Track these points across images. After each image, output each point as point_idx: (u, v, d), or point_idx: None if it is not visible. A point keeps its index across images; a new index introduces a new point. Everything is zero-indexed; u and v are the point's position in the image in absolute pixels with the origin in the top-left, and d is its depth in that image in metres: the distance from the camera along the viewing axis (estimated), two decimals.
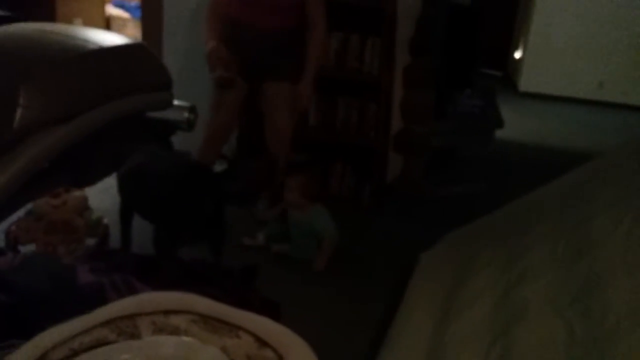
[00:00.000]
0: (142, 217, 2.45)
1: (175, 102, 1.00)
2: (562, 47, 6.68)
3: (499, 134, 4.30)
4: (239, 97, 2.92)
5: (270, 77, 2.88)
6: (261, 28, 2.82)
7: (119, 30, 5.79)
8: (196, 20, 3.21)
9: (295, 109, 2.97)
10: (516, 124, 5.19)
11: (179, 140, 3.24)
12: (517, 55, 7.26)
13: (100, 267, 2.14)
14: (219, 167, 3.48)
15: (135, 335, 0.79)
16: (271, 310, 2.15)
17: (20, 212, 2.32)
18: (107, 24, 5.72)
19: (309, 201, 2.76)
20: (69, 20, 4.76)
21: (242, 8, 2.84)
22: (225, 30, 2.87)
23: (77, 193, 2.48)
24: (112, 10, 5.90)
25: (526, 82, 6.91)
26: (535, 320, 1.19)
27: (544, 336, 1.12)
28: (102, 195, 2.88)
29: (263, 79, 2.89)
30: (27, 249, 2.39)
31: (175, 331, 0.79)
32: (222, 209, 2.35)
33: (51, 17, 4.59)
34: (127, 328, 0.80)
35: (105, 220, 2.60)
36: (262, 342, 0.78)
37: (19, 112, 0.63)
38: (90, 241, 2.52)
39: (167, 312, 0.82)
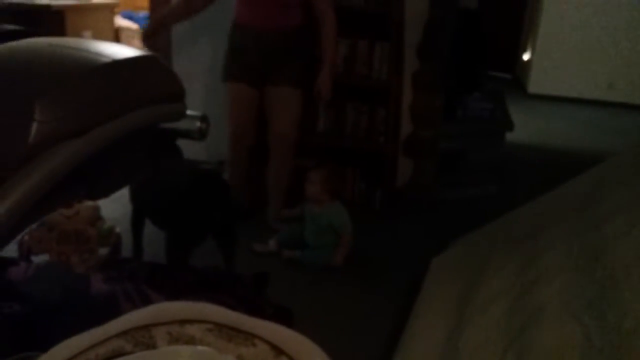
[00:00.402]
0: (154, 224, 2.47)
1: (188, 112, 1.00)
2: (571, 48, 6.65)
3: (509, 136, 4.28)
4: (250, 103, 2.93)
5: (271, 81, 2.89)
6: (262, 30, 2.81)
7: (128, 41, 5.83)
8: (204, 29, 3.23)
9: (298, 114, 2.98)
10: (526, 126, 5.17)
11: (195, 149, 3.27)
12: (526, 57, 7.23)
13: (113, 276, 2.15)
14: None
15: (151, 346, 0.79)
16: (284, 317, 2.15)
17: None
18: (116, 35, 5.76)
19: (329, 196, 2.80)
20: (78, 33, 4.80)
21: (242, 9, 2.85)
22: (230, 35, 2.91)
23: (89, 203, 2.50)
24: (121, 21, 5.95)
25: (535, 84, 6.88)
26: (550, 324, 1.18)
27: (560, 341, 1.11)
28: (114, 205, 2.90)
29: (265, 83, 2.90)
30: (40, 259, 2.41)
31: (190, 341, 0.79)
32: (232, 216, 2.36)
33: (61, 30, 4.62)
34: (143, 338, 0.80)
35: (118, 230, 2.62)
36: (278, 350, 0.78)
37: (34, 127, 0.63)
38: (103, 251, 2.54)
39: (183, 322, 0.82)
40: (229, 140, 3.02)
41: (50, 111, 0.68)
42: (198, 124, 1.01)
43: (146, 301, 1.89)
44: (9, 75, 0.74)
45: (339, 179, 2.89)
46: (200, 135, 1.02)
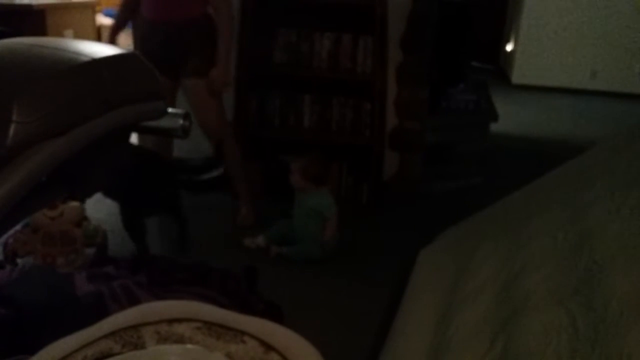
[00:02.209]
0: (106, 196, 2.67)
1: (170, 110, 0.99)
2: (553, 38, 6.69)
3: (494, 127, 4.30)
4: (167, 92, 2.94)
5: (181, 73, 2.85)
6: (163, 22, 2.78)
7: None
8: None
9: (216, 102, 2.94)
10: (510, 117, 5.20)
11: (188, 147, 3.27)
12: (509, 47, 7.27)
13: (98, 275, 2.14)
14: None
15: (139, 346, 0.78)
16: (274, 313, 2.15)
17: (17, 225, 2.32)
18: (98, 33, 5.70)
19: (312, 184, 2.86)
20: (59, 33, 4.75)
21: (144, 4, 2.83)
22: (136, 30, 2.95)
23: (73, 204, 2.48)
24: (102, 19, 5.89)
25: (519, 75, 6.92)
26: (537, 312, 1.19)
27: (547, 328, 1.12)
28: (99, 205, 2.88)
29: (179, 75, 2.86)
30: (25, 260, 2.39)
31: (179, 339, 0.79)
32: (176, 193, 2.67)
33: (42, 29, 4.57)
34: (131, 338, 0.79)
35: (104, 229, 2.61)
36: (267, 347, 0.78)
37: (12, 128, 0.63)
38: (89, 251, 2.52)
39: (171, 321, 0.82)
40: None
41: (28, 111, 0.67)
42: (181, 121, 1.00)
43: (133, 300, 1.88)
44: None
45: (321, 165, 2.91)
46: (183, 133, 1.01)
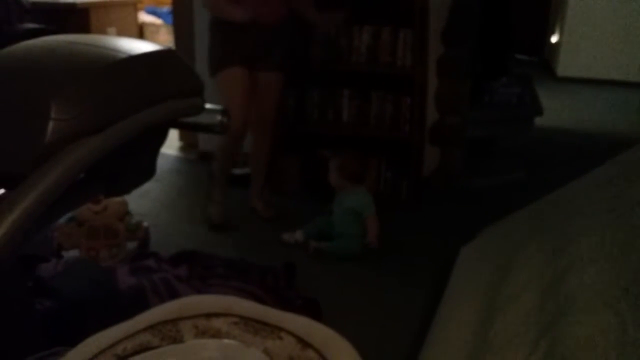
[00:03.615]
0: None
1: (208, 106, 1.00)
2: (600, 29, 6.47)
3: (538, 121, 4.20)
4: (249, 87, 2.99)
5: (263, 66, 2.97)
6: (259, 23, 2.85)
7: (152, 37, 5.89)
8: None
9: (282, 95, 3.11)
10: (555, 110, 5.07)
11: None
12: (554, 39, 7.08)
13: (140, 268, 2.18)
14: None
15: (177, 340, 0.79)
16: (312, 309, 2.15)
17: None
18: (140, 31, 5.82)
19: (350, 182, 2.84)
20: (103, 31, 4.86)
21: (235, 4, 2.88)
22: (226, 28, 2.94)
23: (117, 198, 2.54)
24: (144, 17, 6.01)
25: (564, 67, 6.72)
26: (584, 314, 1.15)
27: (593, 330, 1.08)
28: (141, 200, 2.94)
29: (258, 68, 2.97)
30: (69, 254, 2.46)
31: (217, 334, 0.79)
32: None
33: (85, 28, 4.68)
34: (169, 332, 0.80)
35: (146, 224, 2.66)
36: (304, 343, 0.77)
37: (50, 125, 0.64)
38: (131, 245, 2.58)
39: (209, 315, 0.82)
40: (230, 131, 3.06)
41: (66, 109, 0.68)
42: (219, 117, 1.00)
43: (173, 294, 1.91)
44: (24, 73, 0.74)
45: (358, 164, 2.90)
46: (221, 128, 1.02)
